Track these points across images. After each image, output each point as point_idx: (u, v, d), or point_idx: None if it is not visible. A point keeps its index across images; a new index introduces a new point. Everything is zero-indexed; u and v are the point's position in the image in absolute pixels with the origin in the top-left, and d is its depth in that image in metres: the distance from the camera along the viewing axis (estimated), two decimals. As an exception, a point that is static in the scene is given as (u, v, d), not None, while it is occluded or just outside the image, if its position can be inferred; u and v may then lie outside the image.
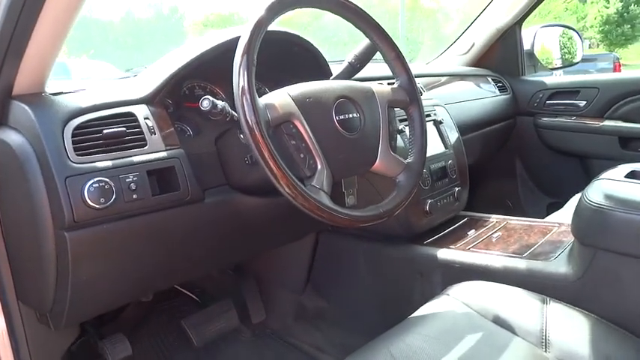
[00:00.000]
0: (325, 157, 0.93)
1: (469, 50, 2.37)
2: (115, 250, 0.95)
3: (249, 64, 0.85)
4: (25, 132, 0.90)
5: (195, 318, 1.51)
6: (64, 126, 0.89)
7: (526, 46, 2.40)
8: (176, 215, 1.00)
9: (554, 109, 2.26)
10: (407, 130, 1.22)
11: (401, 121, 1.37)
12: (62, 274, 0.91)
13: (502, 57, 2.37)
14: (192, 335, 1.45)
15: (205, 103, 0.90)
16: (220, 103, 0.92)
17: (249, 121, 0.83)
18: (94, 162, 0.90)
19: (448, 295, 1.10)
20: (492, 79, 2.28)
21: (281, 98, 0.92)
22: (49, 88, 0.99)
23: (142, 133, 0.98)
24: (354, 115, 1.01)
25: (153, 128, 0.99)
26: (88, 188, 0.86)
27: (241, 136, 1.07)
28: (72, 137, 0.89)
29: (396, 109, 1.17)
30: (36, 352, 1.08)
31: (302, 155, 0.93)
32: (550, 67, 2.46)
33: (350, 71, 1.21)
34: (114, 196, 0.89)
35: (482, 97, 2.17)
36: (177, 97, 1.16)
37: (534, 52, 2.45)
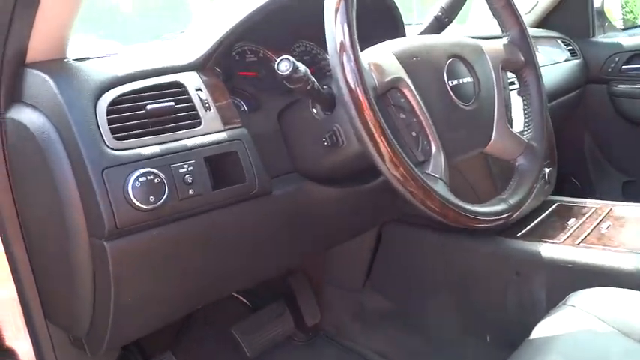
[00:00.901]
0: (439, 136, 0.70)
1: (532, 9, 2.08)
2: (168, 261, 0.73)
3: (348, 12, 0.62)
4: (45, 109, 0.68)
5: (246, 324, 1.32)
6: (97, 100, 0.67)
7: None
8: (240, 213, 0.78)
9: (633, 74, 1.98)
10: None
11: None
12: (101, 295, 0.71)
13: (569, 15, 2.09)
14: (244, 345, 1.26)
15: (284, 66, 0.67)
16: (302, 66, 0.69)
17: (353, 87, 0.61)
18: (138, 148, 0.68)
19: (573, 306, 0.88)
20: (562, 42, 2.00)
21: (384, 57, 0.69)
22: (72, 53, 0.76)
23: (194, 108, 0.75)
24: (468, 79, 0.78)
25: (207, 102, 0.77)
26: (133, 183, 0.64)
27: (314, 110, 0.84)
28: (107, 115, 0.67)
29: None
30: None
31: (414, 134, 0.70)
32: (625, 25, 2.18)
33: (437, 28, 0.96)
34: (166, 193, 0.67)
35: (551, 62, 1.90)
36: (228, 63, 0.93)
37: (603, 9, 2.17)
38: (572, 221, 1.24)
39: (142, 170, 0.65)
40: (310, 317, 1.48)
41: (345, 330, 1.51)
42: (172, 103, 0.72)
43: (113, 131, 0.67)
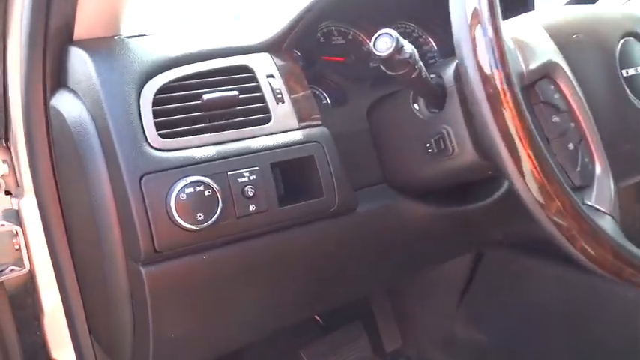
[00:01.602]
0: (606, 150, 0.48)
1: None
2: (221, 291, 0.59)
3: None
4: (84, 96, 0.55)
5: (317, 347, 1.17)
6: (142, 86, 0.53)
7: None
8: (314, 234, 0.62)
9: None
10: None
11: None
12: (140, 325, 0.57)
13: None
14: (312, 370, 1.10)
15: (384, 43, 0.49)
16: (408, 45, 0.50)
17: (489, 72, 0.41)
18: (188, 149, 0.53)
19: None
20: None
21: (533, 33, 0.48)
22: (127, 30, 0.64)
23: (263, 99, 0.60)
24: None
25: (280, 92, 0.61)
26: (178, 195, 0.50)
27: (416, 106, 0.65)
28: (153, 106, 0.53)
29: None
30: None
31: (571, 146, 0.48)
32: None
33: None
34: (219, 209, 0.52)
35: None
36: (310, 46, 0.76)
37: None
38: None
39: (191, 179, 0.51)
40: (390, 342, 1.31)
41: (429, 359, 1.32)
42: (235, 93, 0.57)
43: (159, 126, 0.53)
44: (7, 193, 0.82)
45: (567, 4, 0.73)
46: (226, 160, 0.54)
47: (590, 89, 0.49)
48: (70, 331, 0.76)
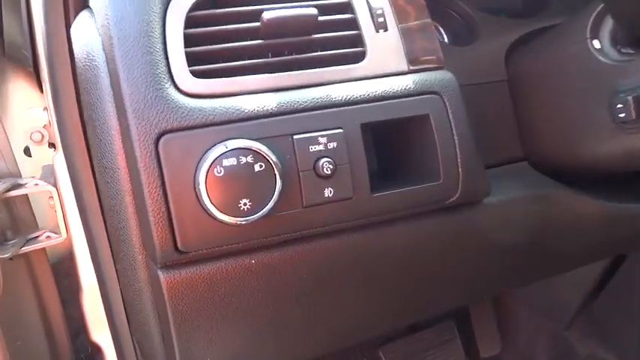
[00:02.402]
0: None
1: None
2: (275, 306, 0.40)
3: None
4: (98, 15, 0.38)
5: (400, 347, 0.99)
6: (168, 4, 0.34)
7: None
8: (419, 233, 0.42)
9: None
10: None
11: None
12: (167, 337, 0.41)
13: None
14: (392, 375, 0.93)
15: None
16: None
17: None
18: (234, 96, 0.34)
19: None
20: None
21: None
22: None
23: (355, 25, 0.39)
24: None
25: (382, 15, 0.39)
26: (212, 169, 0.31)
27: (595, 43, 0.41)
28: (185, 28, 0.34)
29: None
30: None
31: None
32: None
33: None
34: (277, 192, 0.32)
35: None
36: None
37: None
38: None
39: (233, 143, 0.32)
40: (487, 347, 1.12)
41: (536, 372, 1.10)
42: (314, 12, 0.36)
43: (193, 59, 0.34)
44: (52, 145, 0.70)
45: None
46: (293, 115, 0.34)
47: None
48: (107, 315, 0.63)
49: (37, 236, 0.66)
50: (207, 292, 0.36)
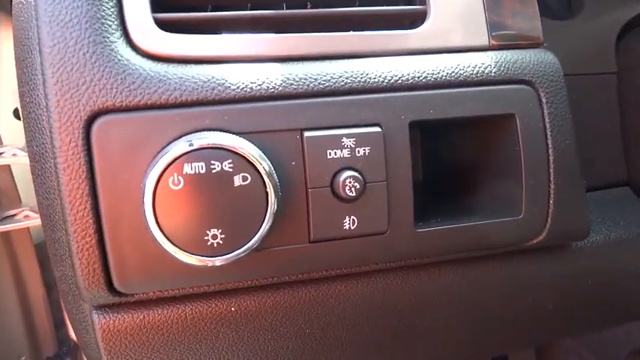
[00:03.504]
0: None
1: None
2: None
3: None
4: None
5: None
6: None
7: None
8: (481, 279, 0.29)
9: None
10: None
11: None
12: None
13: None
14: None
15: None
16: None
17: None
18: (216, 64, 0.22)
19: None
20: None
21: None
22: None
23: None
24: None
25: None
26: (170, 176, 0.19)
27: None
28: None
29: None
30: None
31: None
32: None
33: None
34: (265, 223, 0.20)
35: None
36: None
37: None
38: None
39: (202, 140, 0.20)
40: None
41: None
42: None
43: (157, 3, 0.22)
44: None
45: None
46: (305, 101, 0.22)
47: None
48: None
49: (15, 214, 0.57)
50: (158, 346, 0.25)
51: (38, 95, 0.24)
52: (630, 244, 0.34)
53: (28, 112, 0.27)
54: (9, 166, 0.59)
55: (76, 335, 0.41)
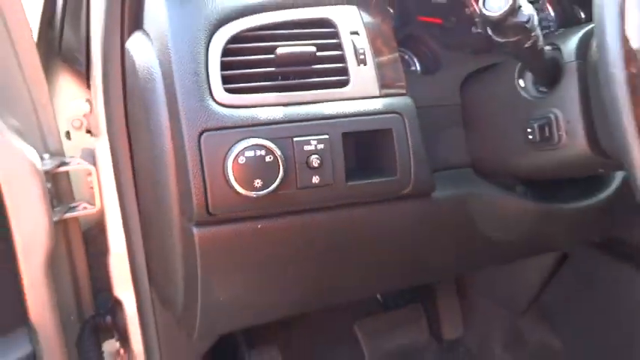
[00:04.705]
0: None
1: None
2: (273, 261, 0.55)
3: None
4: (155, 40, 0.52)
5: (373, 323, 1.12)
6: (213, 34, 0.49)
7: None
8: (381, 215, 0.56)
9: None
10: None
11: None
12: (191, 283, 0.56)
13: None
14: (364, 347, 1.06)
15: (497, 1, 0.40)
16: (528, 6, 0.41)
17: (638, 48, 0.32)
18: (254, 107, 0.48)
19: None
20: None
21: None
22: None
23: (343, 59, 0.53)
24: None
25: (363, 53, 0.54)
26: (237, 157, 0.46)
27: (521, 82, 0.55)
28: (222, 57, 0.48)
29: None
30: (168, 349, 0.78)
31: None
32: None
33: None
34: (279, 177, 0.47)
35: None
36: (406, 2, 0.68)
37: None
38: None
39: (252, 141, 0.46)
40: (450, 329, 1.24)
41: (491, 354, 1.24)
42: (313, 49, 0.51)
43: (226, 79, 0.48)
44: (88, 131, 0.83)
45: None
46: (294, 124, 0.49)
47: None
48: (132, 276, 0.77)
49: (76, 206, 0.79)
50: (226, 245, 0.50)
51: (162, 121, 0.49)
52: (466, 198, 0.62)
53: (148, 130, 0.52)
54: (68, 171, 0.82)
55: (158, 264, 0.64)
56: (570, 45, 0.50)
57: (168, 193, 0.51)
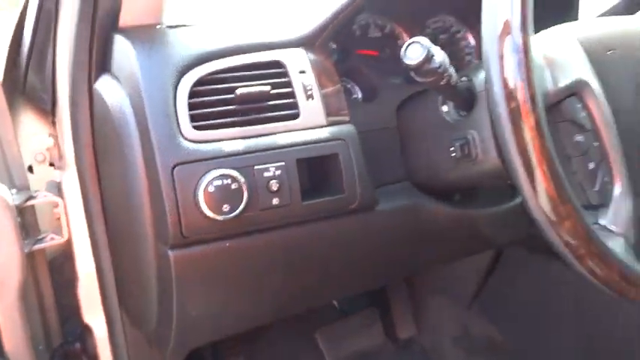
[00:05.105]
0: (629, 170, 0.48)
1: None
2: (242, 275, 0.62)
3: None
4: (126, 84, 0.58)
5: (332, 330, 1.19)
6: (180, 78, 0.56)
7: None
8: (333, 228, 0.64)
9: None
10: None
11: None
12: (165, 301, 0.61)
13: None
14: (326, 353, 1.14)
15: (415, 52, 0.50)
16: (440, 53, 0.51)
17: (514, 90, 0.42)
18: (219, 141, 0.56)
19: None
20: None
21: (566, 48, 0.48)
22: (168, 19, 0.66)
23: (293, 95, 0.61)
24: None
25: (310, 88, 0.62)
26: (207, 186, 0.53)
27: (444, 108, 0.65)
28: (189, 98, 0.55)
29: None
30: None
31: (591, 165, 0.49)
32: None
33: (629, 6, 0.71)
34: (244, 201, 0.54)
35: None
36: (346, 39, 0.77)
37: None
38: None
39: (219, 172, 0.53)
40: (404, 329, 1.32)
41: (442, 349, 1.33)
42: (267, 88, 0.58)
43: (193, 118, 0.55)
44: (51, 164, 0.86)
45: (603, 14, 0.71)
46: (254, 154, 0.56)
47: (619, 108, 0.49)
48: (102, 299, 0.81)
49: (43, 237, 0.83)
50: (198, 264, 0.57)
51: (135, 156, 0.55)
52: (406, 208, 0.71)
53: (110, 166, 0.58)
54: (34, 205, 0.85)
55: (130, 285, 0.69)
56: (480, 77, 0.60)
57: (142, 220, 0.57)
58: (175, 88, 0.55)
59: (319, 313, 1.22)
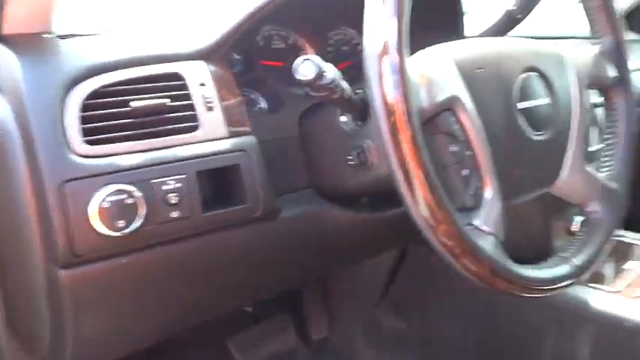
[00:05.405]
0: (498, 175, 0.55)
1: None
2: (142, 291, 0.61)
3: (400, 3, 0.46)
4: (9, 96, 0.55)
5: (244, 337, 1.19)
6: (69, 91, 0.54)
7: None
8: (236, 237, 0.65)
9: None
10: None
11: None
12: (58, 324, 0.59)
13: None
14: (238, 359, 1.14)
15: (306, 69, 0.52)
16: (331, 70, 0.54)
17: (392, 107, 0.46)
18: (113, 156, 0.54)
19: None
20: None
21: (441, 67, 0.54)
22: (59, 28, 0.63)
23: (192, 108, 0.61)
24: (544, 100, 0.62)
25: (211, 100, 0.62)
26: (100, 202, 0.51)
27: (342, 118, 0.69)
28: (80, 112, 0.54)
29: None
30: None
31: (465, 172, 0.54)
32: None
33: (504, 25, 0.79)
34: (142, 215, 0.53)
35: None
36: (249, 49, 0.78)
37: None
38: (631, 265, 1.06)
39: (115, 187, 0.52)
40: (317, 330, 1.35)
41: (355, 348, 1.38)
42: (165, 101, 0.58)
43: (86, 132, 0.53)
44: None
45: (480, 35, 0.79)
46: (152, 167, 0.55)
47: (488, 120, 0.55)
48: None
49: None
50: (94, 283, 0.55)
51: (20, 172, 0.52)
52: (309, 215, 0.74)
53: (7, 180, 0.54)
54: None
55: (18, 306, 0.65)
56: None
57: (29, 239, 0.54)
58: (64, 101, 0.53)
59: (231, 320, 1.22)
